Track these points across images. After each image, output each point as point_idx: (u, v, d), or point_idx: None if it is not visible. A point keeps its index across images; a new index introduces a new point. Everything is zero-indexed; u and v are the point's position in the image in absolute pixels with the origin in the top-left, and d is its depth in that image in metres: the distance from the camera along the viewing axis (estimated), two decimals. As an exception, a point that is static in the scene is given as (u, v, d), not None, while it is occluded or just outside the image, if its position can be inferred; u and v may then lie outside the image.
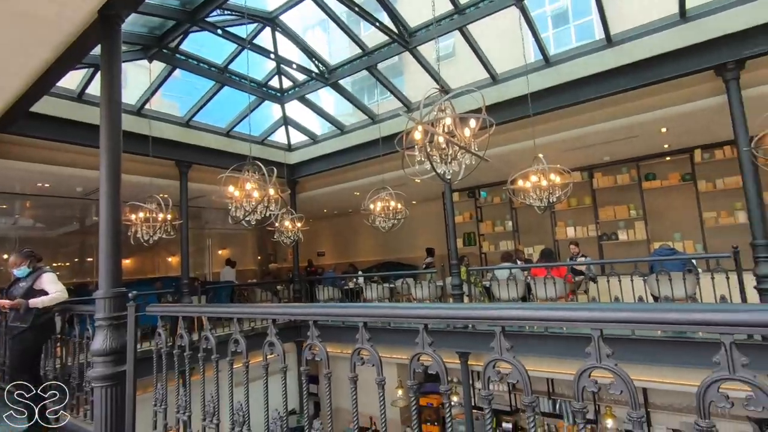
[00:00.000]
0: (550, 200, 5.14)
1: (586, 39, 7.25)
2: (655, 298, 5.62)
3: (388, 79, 7.29)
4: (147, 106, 6.84)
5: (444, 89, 5.09)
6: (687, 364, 4.61)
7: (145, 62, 6.14)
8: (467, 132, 2.84)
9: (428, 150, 2.69)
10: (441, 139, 2.81)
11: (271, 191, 3.95)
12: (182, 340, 2.23)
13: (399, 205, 6.65)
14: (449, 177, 2.85)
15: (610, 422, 6.68)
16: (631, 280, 5.55)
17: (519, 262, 8.20)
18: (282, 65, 7.36)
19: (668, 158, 8.58)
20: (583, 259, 7.55)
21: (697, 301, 5.36)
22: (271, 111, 9.02)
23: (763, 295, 4.75)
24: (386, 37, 6.29)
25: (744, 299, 4.99)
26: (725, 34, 4.96)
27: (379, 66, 7.02)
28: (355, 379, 1.59)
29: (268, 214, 4.03)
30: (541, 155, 5.23)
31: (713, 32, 5.02)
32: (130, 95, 7.00)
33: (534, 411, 1.23)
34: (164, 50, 6.04)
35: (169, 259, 11.98)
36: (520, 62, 6.22)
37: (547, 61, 6.23)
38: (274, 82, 7.92)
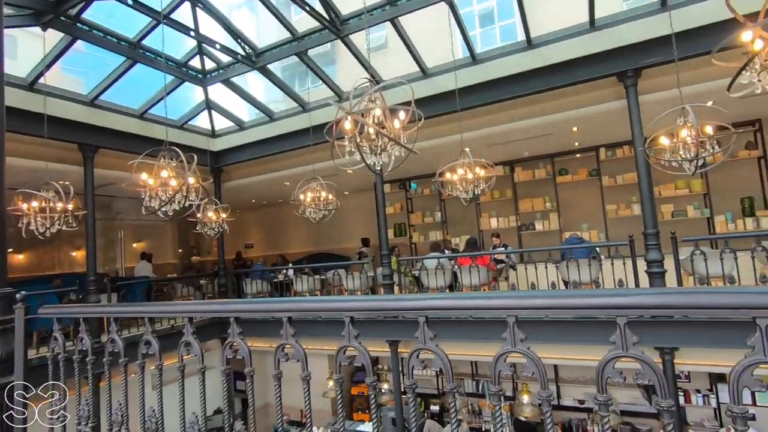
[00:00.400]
0: (476, 192, 5.39)
1: (509, 40, 7.65)
2: (566, 283, 6.16)
3: (319, 67, 7.12)
4: (42, 81, 6.01)
5: (375, 80, 5.08)
6: (592, 341, 5.12)
7: (38, 30, 5.38)
8: (397, 124, 2.86)
9: (358, 141, 2.66)
10: (371, 130, 2.80)
11: (191, 180, 3.68)
12: (83, 343, 2.00)
13: (330, 196, 6.57)
14: (379, 168, 2.86)
15: (526, 398, 7.24)
16: (546, 267, 6.03)
17: (447, 252, 8.54)
18: (204, 44, 6.86)
19: (578, 155, 9.41)
20: (503, 248, 8.04)
21: (600, 285, 5.97)
22: (193, 94, 8.41)
23: (652, 278, 5.41)
24: (317, 23, 6.12)
25: (637, 282, 5.64)
26: (626, 45, 5.51)
27: (311, 53, 6.82)
28: (279, 377, 1.54)
29: (187, 204, 3.75)
30: (467, 149, 5.45)
31: (616, 42, 5.55)
32: (20, 67, 6.11)
33: (455, 397, 1.27)
34: (62, 17, 5.34)
35: (74, 254, 10.77)
36: (449, 58, 6.41)
37: (474, 59, 6.48)
38: (196, 63, 7.37)
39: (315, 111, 7.73)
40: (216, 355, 8.05)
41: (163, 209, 3.55)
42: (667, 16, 5.03)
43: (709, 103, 4.43)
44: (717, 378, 6.89)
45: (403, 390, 6.71)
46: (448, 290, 6.88)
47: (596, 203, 9.20)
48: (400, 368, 6.81)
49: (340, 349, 1.40)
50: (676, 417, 5.38)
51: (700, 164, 4.58)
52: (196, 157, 3.86)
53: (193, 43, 6.99)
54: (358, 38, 6.48)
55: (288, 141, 8.27)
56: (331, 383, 8.44)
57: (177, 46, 7.34)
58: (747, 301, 0.90)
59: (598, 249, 6.47)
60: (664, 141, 4.57)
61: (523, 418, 7.52)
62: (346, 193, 12.28)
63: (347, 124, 2.67)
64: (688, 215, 8.29)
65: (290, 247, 14.00)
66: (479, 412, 8.78)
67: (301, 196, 6.41)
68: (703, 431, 7.02)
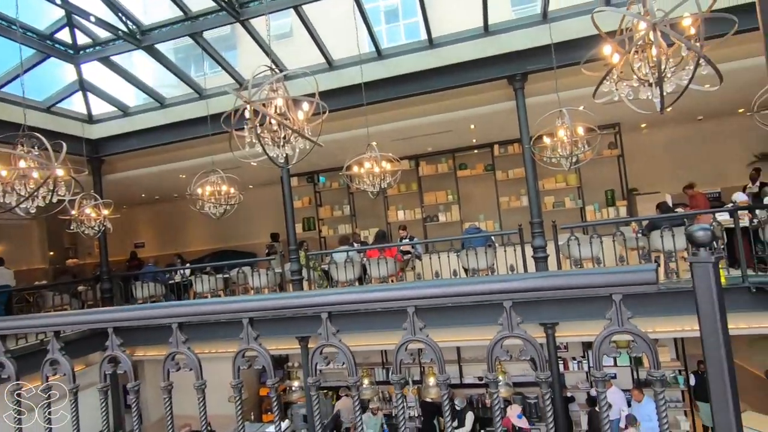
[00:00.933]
0: (382, 186, 5.50)
1: (413, 38, 7.90)
2: (466, 270, 6.61)
3: (217, 52, 6.63)
4: None
5: (278, 68, 4.88)
6: (488, 322, 5.58)
7: None
8: (301, 115, 2.78)
9: (258, 131, 2.53)
10: (273, 121, 2.68)
11: (59, 171, 3.16)
12: None
13: (232, 190, 6.19)
14: (282, 161, 2.75)
15: (431, 380, 7.66)
16: (448, 256, 6.40)
17: (356, 245, 8.61)
18: (74, 15, 5.96)
19: (476, 151, 10.13)
20: (407, 240, 8.35)
21: (495, 270, 6.51)
22: (63, 72, 7.27)
23: (537, 262, 6.05)
24: (214, 4, 5.68)
25: (525, 266, 6.27)
26: (514, 51, 6.03)
27: (208, 35, 6.32)
28: (170, 389, 1.40)
29: (56, 200, 3.23)
30: (374, 143, 5.53)
31: (506, 48, 6.05)
32: None
33: (358, 390, 1.28)
34: None
35: None
36: (356, 51, 6.41)
37: (380, 54, 6.57)
38: (66, 37, 6.37)
39: (213, 98, 7.20)
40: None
41: (23, 206, 3.01)
42: (548, 28, 5.62)
43: (581, 108, 5.06)
44: (588, 346, 7.99)
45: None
46: (357, 283, 6.95)
47: (491, 195, 10.01)
48: (310, 363, 6.72)
49: (239, 353, 1.32)
50: (556, 383, 6.12)
51: (574, 161, 5.22)
52: (65, 145, 3.34)
53: (60, 12, 6.03)
54: (260, 24, 6.16)
55: (183, 130, 7.59)
56: (237, 387, 8.03)
57: (40, 14, 6.27)
58: (602, 281, 1.04)
59: (493, 238, 7.05)
60: (546, 140, 5.10)
61: (429, 400, 7.96)
62: (251, 186, 11.70)
63: (247, 113, 2.52)
64: (566, 206, 9.43)
65: (189, 245, 12.95)
66: (389, 399, 9.07)
67: (199, 190, 5.94)
68: (578, 392, 8.12)
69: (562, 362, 8.19)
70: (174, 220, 13.11)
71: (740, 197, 6.90)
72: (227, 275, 8.05)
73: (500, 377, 7.06)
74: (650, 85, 2.34)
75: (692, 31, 2.42)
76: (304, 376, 6.79)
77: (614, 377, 7.79)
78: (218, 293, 7.75)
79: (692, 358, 7.69)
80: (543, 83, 6.32)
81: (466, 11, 6.31)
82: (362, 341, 6.44)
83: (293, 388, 9.36)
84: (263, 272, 7.42)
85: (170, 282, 8.42)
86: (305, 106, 3.03)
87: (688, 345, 7.77)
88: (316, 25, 6.23)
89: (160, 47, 6.53)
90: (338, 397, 9.14)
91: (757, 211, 5.57)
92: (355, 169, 5.47)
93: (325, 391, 9.44)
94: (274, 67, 3.04)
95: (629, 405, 6.94)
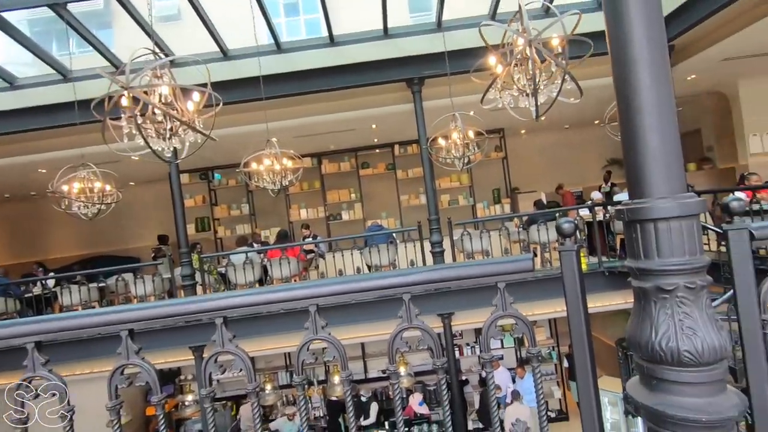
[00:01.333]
0: (284, 183, 5.33)
1: (314, 34, 7.78)
2: (369, 267, 6.74)
3: (86, 28, 5.78)
4: None
5: (163, 52, 4.44)
6: (390, 317, 5.76)
7: None
8: (190, 106, 2.56)
9: (138, 122, 2.26)
10: (157, 111, 2.42)
11: None
12: None
13: (108, 187, 5.47)
14: (169, 155, 2.50)
15: (336, 378, 7.67)
16: (352, 254, 6.46)
17: (256, 246, 8.23)
18: None
19: (377, 150, 10.38)
20: (310, 239, 8.24)
21: (397, 266, 6.75)
22: None
23: (435, 256, 6.41)
24: (81, -27, 4.94)
25: (424, 261, 6.60)
26: (413, 55, 6.30)
27: (74, 8, 5.47)
28: (25, 421, 1.19)
29: None
30: (274, 139, 5.33)
31: (405, 51, 6.29)
32: None
33: (257, 396, 1.22)
34: None
35: None
36: (253, 42, 6.10)
37: (279, 48, 6.35)
38: None
39: (82, 82, 6.27)
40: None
41: None
42: (443, 36, 5.97)
43: (471, 113, 5.49)
44: (479, 332, 8.72)
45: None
46: (258, 285, 6.65)
47: (393, 194, 10.34)
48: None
49: (116, 370, 1.17)
50: (453, 368, 6.57)
51: (466, 162, 5.63)
52: None
53: None
54: (140, 1, 5.52)
55: (43, 116, 6.48)
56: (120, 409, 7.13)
57: None
58: (488, 270, 1.14)
59: (394, 234, 7.29)
60: (441, 141, 5.42)
61: (335, 398, 7.96)
62: (132, 183, 10.48)
63: (124, 101, 2.24)
64: (459, 203, 10.15)
65: (53, 251, 11.15)
66: (294, 402, 8.87)
67: (65, 187, 5.14)
68: (472, 375, 8.81)
69: (457, 349, 8.81)
70: (32, 223, 11.15)
71: (596, 195, 8.13)
72: (103, 284, 7.08)
73: (401, 368, 7.35)
74: (527, 95, 2.65)
75: (560, 50, 2.78)
76: (198, 388, 6.28)
77: (501, 358, 8.62)
78: (92, 305, 6.79)
79: (562, 335, 8.85)
80: (439, 88, 6.70)
81: (367, 12, 6.40)
82: (264, 345, 6.18)
83: (186, 403, 8.62)
84: (149, 278, 6.69)
85: (26, 295, 7.14)
86: (196, 96, 2.80)
87: (559, 324, 8.93)
88: (208, 11, 5.79)
89: (7, 16, 5.48)
90: (238, 408, 8.67)
91: (609, 207, 6.60)
92: (254, 165, 5.22)
93: (224, 401, 8.88)
94: (158, 50, 2.75)
95: (514, 381, 7.75)
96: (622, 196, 7.29)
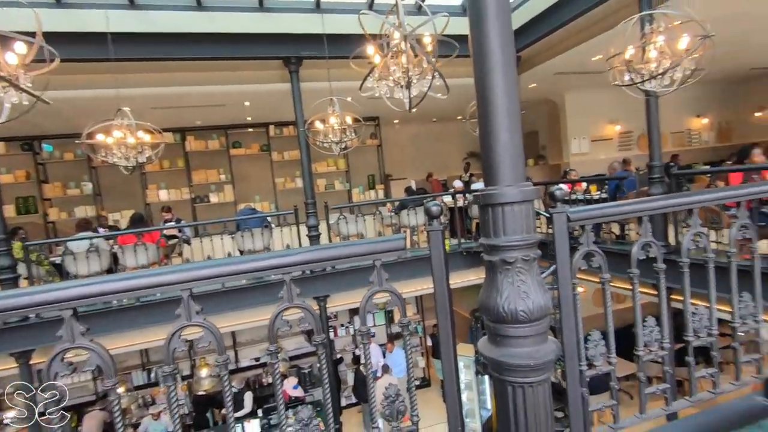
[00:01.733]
0: (140, 160, 4.71)
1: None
2: (241, 252, 6.42)
3: None
4: None
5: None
6: (264, 303, 5.61)
7: None
8: (12, 58, 2.09)
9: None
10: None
11: None
12: None
13: None
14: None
15: (204, 371, 7.20)
16: (222, 239, 6.07)
17: (102, 231, 7.14)
18: None
19: (251, 129, 9.82)
20: (173, 223, 7.50)
21: (271, 250, 6.56)
22: None
23: (311, 240, 6.42)
24: None
25: (301, 245, 6.56)
26: (290, 33, 6.09)
27: None
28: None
29: None
30: (127, 109, 4.65)
31: (282, 29, 6.04)
32: None
33: (118, 395, 1.11)
34: None
35: None
36: (97, -9, 5.18)
37: (133, 2, 5.51)
38: None
39: None
40: None
41: None
42: (321, 18, 5.89)
43: (349, 99, 5.58)
44: (354, 312, 9.06)
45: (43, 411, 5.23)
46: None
47: (267, 176, 9.94)
48: (34, 382, 5.27)
49: None
50: (327, 347, 6.73)
51: (343, 147, 5.72)
52: None
53: None
54: None
55: None
56: None
57: None
58: (365, 250, 1.22)
59: (269, 218, 7.06)
60: (318, 125, 5.40)
61: (202, 392, 7.47)
62: None
63: None
64: (336, 188, 10.27)
65: None
66: (152, 402, 8.05)
67: None
68: (346, 354, 9.14)
69: (332, 329, 9.02)
70: None
71: (457, 184, 9.08)
72: None
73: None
74: (402, 87, 2.82)
75: (430, 48, 3.01)
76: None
77: (373, 335, 9.11)
78: None
79: (428, 310, 9.74)
80: (317, 70, 6.62)
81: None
82: (116, 343, 5.46)
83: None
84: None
85: None
86: (20, 47, 2.30)
87: (425, 300, 9.79)
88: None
89: None
90: (80, 418, 7.50)
91: (467, 195, 7.43)
92: (101, 137, 4.49)
93: (62, 412, 7.58)
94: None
95: (384, 356, 8.28)
96: (478, 185, 8.27)
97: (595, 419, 4.86)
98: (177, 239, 6.98)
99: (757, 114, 10.59)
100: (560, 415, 5.26)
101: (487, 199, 1.23)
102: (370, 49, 2.92)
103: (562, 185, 7.32)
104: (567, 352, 1.46)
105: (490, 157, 1.24)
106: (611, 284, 1.65)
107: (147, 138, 4.73)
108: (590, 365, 1.57)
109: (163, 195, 9.11)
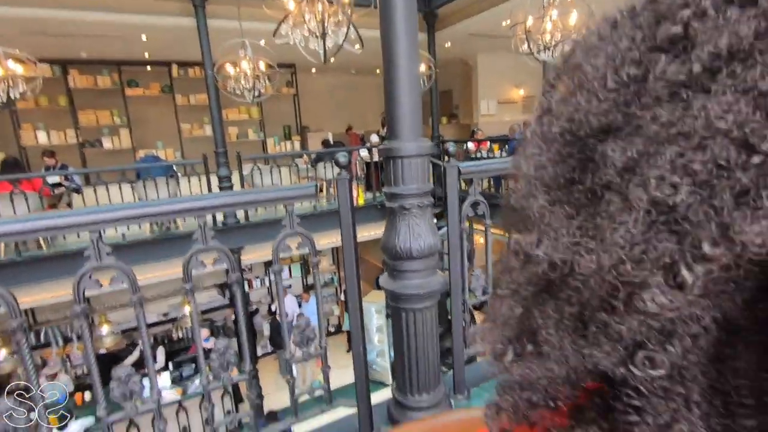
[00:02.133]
0: (13, 96, 4.08)
1: None
2: (144, 203, 6.00)
3: None
4: None
5: None
6: (172, 256, 5.39)
7: None
8: None
9: None
10: None
11: None
12: None
13: None
14: None
15: (105, 328, 6.82)
16: (120, 188, 5.59)
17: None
18: None
19: (149, 68, 8.80)
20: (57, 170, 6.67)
21: (178, 202, 6.23)
22: None
23: (223, 191, 6.19)
24: None
25: (211, 196, 6.30)
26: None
27: None
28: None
29: None
30: (-11, 32, 3.94)
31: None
32: None
33: (26, 333, 1.12)
34: None
35: None
36: None
37: None
38: None
39: None
40: None
41: None
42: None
43: (262, 42, 5.28)
44: (268, 264, 9.05)
45: None
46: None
47: (171, 121, 9.12)
48: None
49: None
50: (242, 285, 6.74)
51: (256, 94, 5.48)
52: None
53: None
54: None
55: None
56: None
57: None
58: (280, 195, 1.33)
59: (175, 167, 6.61)
60: (229, 69, 5.09)
61: (104, 351, 7.10)
62: None
63: None
64: (249, 137, 9.80)
65: None
66: (44, 364, 7.45)
67: None
68: (261, 306, 9.20)
69: (247, 282, 8.97)
70: None
71: (374, 139, 9.20)
72: None
73: (186, 307, 7.07)
74: (317, 37, 2.80)
75: (347, -2, 2.99)
76: None
77: (290, 287, 9.26)
78: None
79: (342, 263, 10.06)
80: (227, 6, 6.08)
81: None
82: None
83: None
84: None
85: None
86: None
87: (339, 253, 10.08)
88: None
89: None
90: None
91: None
92: (-43, 65, 3.78)
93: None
94: None
95: (300, 306, 8.51)
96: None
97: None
98: (64, 188, 6.25)
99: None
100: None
101: (389, 153, 1.39)
102: (284, -6, 2.81)
103: (470, 143, 7.85)
104: (453, 284, 1.74)
105: (393, 115, 1.39)
106: (492, 230, 1.96)
107: (20, 70, 4.09)
108: (473, 294, 1.89)
109: (42, 137, 7.95)
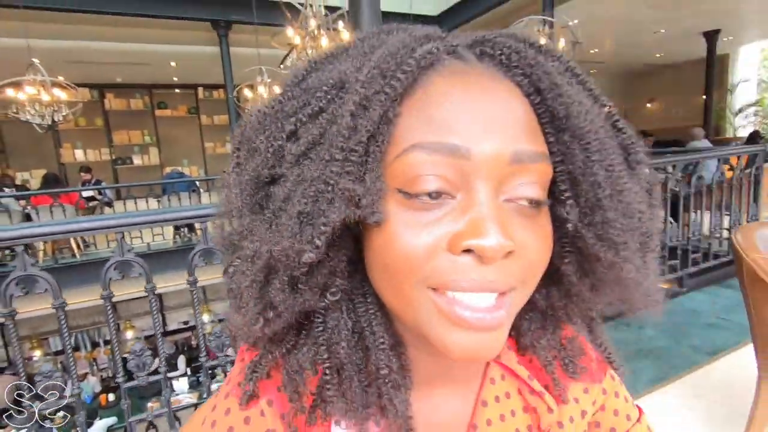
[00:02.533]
0: (56, 119, 4.59)
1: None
2: (168, 216, 6.45)
3: None
4: None
5: None
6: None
7: None
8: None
9: None
10: None
11: None
12: None
13: None
14: None
15: (130, 333, 7.25)
16: (147, 202, 6.05)
17: (6, 190, 6.74)
18: None
19: (178, 90, 9.45)
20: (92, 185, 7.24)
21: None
22: None
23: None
24: None
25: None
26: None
27: None
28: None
29: None
30: (37, 61, 4.46)
31: (210, -10, 5.93)
32: None
33: (63, 310, 1.42)
34: None
35: None
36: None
37: (41, -55, 5.11)
38: None
39: None
40: None
41: None
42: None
43: (281, 67, 5.68)
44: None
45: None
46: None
47: (196, 140, 9.71)
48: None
49: None
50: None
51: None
52: None
53: None
54: None
55: None
56: None
57: None
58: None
59: (197, 183, 7.08)
60: (247, 93, 5.52)
61: (127, 354, 7.51)
62: None
63: None
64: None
65: None
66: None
67: None
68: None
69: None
70: None
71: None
72: None
73: (206, 316, 7.45)
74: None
75: (347, 36, 3.33)
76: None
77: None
78: None
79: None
80: (247, 35, 6.57)
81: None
82: (29, 306, 5.37)
83: None
84: None
85: None
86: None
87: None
88: None
89: None
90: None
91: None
92: (11, 92, 4.31)
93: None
94: None
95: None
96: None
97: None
98: (97, 201, 6.79)
99: (648, 105, 12.12)
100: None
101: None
102: (290, 32, 3.17)
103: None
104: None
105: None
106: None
107: (63, 96, 4.60)
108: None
109: (80, 155, 8.62)
